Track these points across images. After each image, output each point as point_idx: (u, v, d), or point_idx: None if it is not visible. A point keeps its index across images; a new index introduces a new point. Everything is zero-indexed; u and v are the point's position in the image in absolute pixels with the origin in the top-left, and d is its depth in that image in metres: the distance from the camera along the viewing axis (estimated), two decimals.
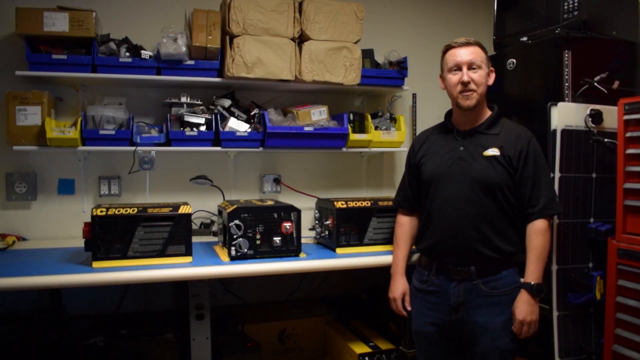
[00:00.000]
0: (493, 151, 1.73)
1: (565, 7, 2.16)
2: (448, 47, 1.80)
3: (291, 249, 2.11)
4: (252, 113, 2.68)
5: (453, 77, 1.76)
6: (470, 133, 1.78)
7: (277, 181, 2.96)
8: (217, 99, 2.72)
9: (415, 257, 2.01)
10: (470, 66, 1.74)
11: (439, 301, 1.79)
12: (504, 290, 1.71)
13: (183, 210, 1.97)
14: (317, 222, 2.41)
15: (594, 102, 2.06)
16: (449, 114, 1.89)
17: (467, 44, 1.75)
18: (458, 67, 1.75)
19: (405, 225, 1.97)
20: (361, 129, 2.85)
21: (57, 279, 1.78)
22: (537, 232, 1.71)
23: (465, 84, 1.73)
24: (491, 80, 1.80)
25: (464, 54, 1.74)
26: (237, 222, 2.02)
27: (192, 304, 2.06)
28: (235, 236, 2.02)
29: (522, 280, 1.73)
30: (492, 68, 1.80)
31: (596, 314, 2.06)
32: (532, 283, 1.68)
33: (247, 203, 2.18)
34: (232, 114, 2.67)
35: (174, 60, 2.49)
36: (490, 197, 1.71)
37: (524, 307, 1.68)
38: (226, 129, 2.59)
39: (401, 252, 1.96)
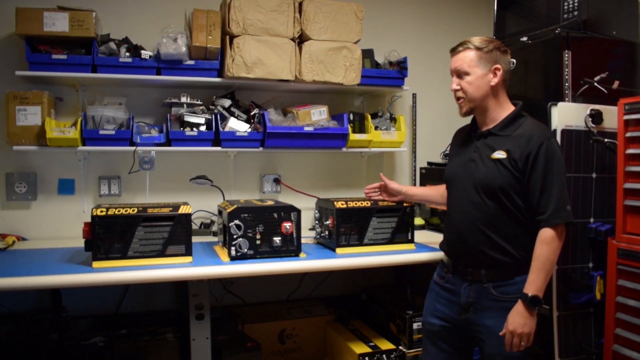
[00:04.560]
0: (499, 154, 1.68)
1: (565, 7, 2.16)
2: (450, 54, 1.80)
3: (291, 249, 2.11)
4: (252, 113, 2.68)
5: (450, 86, 1.78)
6: (484, 134, 1.76)
7: (277, 181, 2.96)
8: (217, 99, 2.72)
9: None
10: (458, 74, 1.73)
11: (451, 298, 1.79)
12: (515, 297, 1.65)
13: (183, 210, 1.97)
14: (317, 222, 2.41)
15: (594, 102, 2.06)
16: None
17: (457, 51, 1.74)
18: (452, 75, 1.77)
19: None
20: (361, 129, 2.85)
21: (57, 279, 1.78)
22: (542, 241, 1.62)
23: (453, 93, 1.75)
24: (495, 80, 1.70)
25: (453, 62, 1.75)
26: (237, 222, 2.02)
27: (192, 304, 2.06)
28: (235, 236, 2.02)
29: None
30: (497, 66, 1.69)
31: (596, 314, 2.06)
32: (529, 294, 1.59)
33: (247, 203, 2.18)
34: (232, 114, 2.67)
35: (174, 60, 2.49)
36: (494, 200, 1.68)
37: (516, 318, 1.61)
38: (226, 129, 2.59)
39: (428, 190, 2.17)
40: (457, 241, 1.77)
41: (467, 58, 1.70)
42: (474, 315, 1.72)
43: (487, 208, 1.69)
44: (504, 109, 1.75)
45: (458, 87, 1.73)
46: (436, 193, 2.07)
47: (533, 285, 1.61)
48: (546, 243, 1.62)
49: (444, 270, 1.85)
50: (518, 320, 1.61)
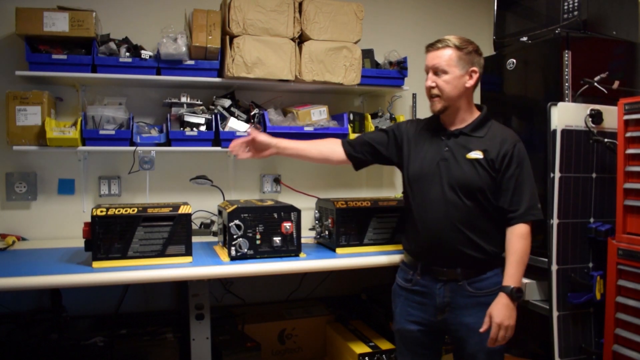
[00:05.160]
0: (476, 154, 1.70)
1: (565, 7, 2.16)
2: (426, 48, 1.78)
3: (291, 249, 2.11)
4: (252, 113, 2.68)
5: (425, 82, 1.77)
6: (455, 134, 1.76)
7: (277, 181, 2.96)
8: (217, 99, 2.72)
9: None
10: (435, 71, 1.72)
11: (424, 301, 1.77)
12: (489, 291, 1.70)
13: (183, 210, 1.97)
14: (317, 222, 2.41)
15: (594, 102, 2.06)
16: None
17: (436, 47, 1.72)
18: (427, 71, 1.75)
19: (333, 144, 1.94)
20: (361, 129, 2.85)
21: (57, 279, 1.78)
22: (518, 235, 1.67)
23: (428, 89, 1.74)
24: (471, 82, 1.73)
25: (430, 58, 1.73)
26: (237, 222, 2.02)
27: (192, 304, 2.06)
28: (235, 236, 2.02)
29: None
30: (474, 68, 1.72)
31: (596, 314, 2.06)
32: (512, 287, 1.64)
33: (247, 203, 2.18)
34: (232, 114, 2.67)
35: (174, 60, 2.49)
36: (472, 200, 1.69)
37: (502, 311, 1.63)
38: (226, 129, 2.60)
39: (303, 144, 1.94)
40: (432, 242, 1.73)
41: (446, 56, 1.70)
42: (451, 314, 1.73)
43: (466, 207, 1.70)
44: (472, 111, 1.79)
45: (434, 85, 1.72)
46: (312, 147, 1.95)
47: (514, 278, 1.66)
48: (523, 238, 1.68)
49: (410, 273, 1.82)
50: (504, 312, 1.64)
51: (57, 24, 2.32)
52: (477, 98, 2.50)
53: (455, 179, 1.71)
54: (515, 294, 1.64)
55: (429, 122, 1.87)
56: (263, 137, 1.91)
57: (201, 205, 2.79)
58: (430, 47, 1.74)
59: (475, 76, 1.74)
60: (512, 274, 1.66)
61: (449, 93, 1.71)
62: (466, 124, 1.77)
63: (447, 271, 1.73)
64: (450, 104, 1.73)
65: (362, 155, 1.92)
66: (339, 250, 2.21)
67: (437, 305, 1.74)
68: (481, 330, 1.65)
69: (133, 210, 1.93)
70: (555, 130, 1.99)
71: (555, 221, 1.98)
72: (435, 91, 1.73)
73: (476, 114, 1.79)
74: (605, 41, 2.21)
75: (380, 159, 1.92)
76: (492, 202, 1.71)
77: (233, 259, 2.03)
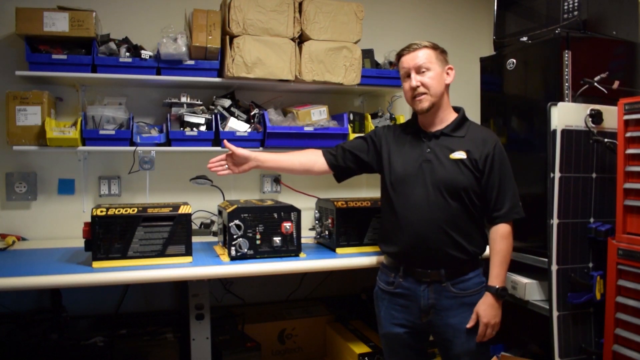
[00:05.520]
0: (459, 154, 1.71)
1: (565, 7, 2.16)
2: (399, 55, 1.80)
3: (291, 249, 2.11)
4: (252, 113, 2.68)
5: (405, 85, 1.78)
6: (436, 135, 1.77)
7: (277, 181, 2.96)
8: (217, 99, 2.72)
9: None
10: (418, 70, 1.74)
11: (408, 304, 1.77)
12: (473, 291, 1.72)
13: (183, 210, 1.97)
14: (317, 222, 2.41)
15: (594, 102, 2.06)
16: (416, 115, 1.86)
17: (413, 49, 1.75)
18: (407, 74, 1.77)
19: (314, 155, 1.93)
20: (361, 129, 2.85)
21: (57, 279, 1.78)
22: (501, 236, 1.72)
23: (414, 89, 1.74)
24: (449, 79, 1.78)
25: (410, 60, 1.75)
26: (237, 222, 2.02)
27: (192, 304, 2.06)
28: (235, 236, 2.02)
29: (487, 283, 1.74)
30: (450, 66, 1.78)
31: (596, 314, 2.06)
32: (497, 287, 1.69)
33: (247, 203, 2.18)
34: (232, 114, 2.67)
35: (174, 60, 2.49)
36: (457, 200, 1.70)
37: (489, 311, 1.69)
38: (226, 129, 2.60)
39: (283, 156, 1.92)
40: (416, 244, 1.72)
41: (426, 55, 1.74)
42: (436, 316, 1.74)
43: (450, 208, 1.70)
44: (450, 110, 1.82)
45: (419, 84, 1.73)
46: (293, 159, 1.93)
47: (499, 278, 1.71)
48: (505, 238, 1.72)
49: (392, 276, 1.81)
50: (490, 312, 1.69)
51: (57, 24, 2.32)
52: (477, 98, 2.53)
53: (440, 180, 1.71)
54: (501, 294, 1.70)
55: (407, 125, 1.89)
56: (242, 151, 1.88)
57: (201, 205, 2.79)
58: (407, 50, 1.78)
59: (452, 73, 1.79)
60: (497, 274, 1.71)
61: (436, 89, 1.74)
62: (446, 125, 1.78)
63: (431, 272, 1.73)
64: (437, 101, 1.75)
65: (344, 164, 1.92)
66: (339, 250, 2.21)
67: (421, 307, 1.74)
68: (468, 326, 1.70)
69: (133, 210, 1.93)
70: (555, 130, 1.99)
71: (555, 221, 1.98)
72: (421, 89, 1.74)
73: (453, 114, 1.81)
74: (605, 41, 2.21)
75: (363, 166, 1.92)
76: (476, 202, 1.72)
77: (233, 259, 2.03)
